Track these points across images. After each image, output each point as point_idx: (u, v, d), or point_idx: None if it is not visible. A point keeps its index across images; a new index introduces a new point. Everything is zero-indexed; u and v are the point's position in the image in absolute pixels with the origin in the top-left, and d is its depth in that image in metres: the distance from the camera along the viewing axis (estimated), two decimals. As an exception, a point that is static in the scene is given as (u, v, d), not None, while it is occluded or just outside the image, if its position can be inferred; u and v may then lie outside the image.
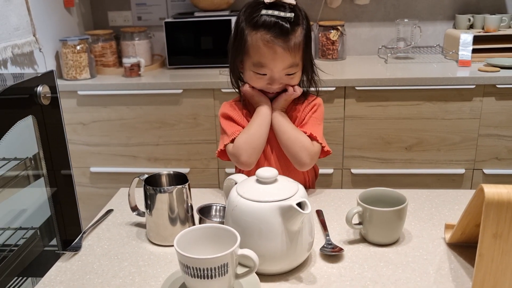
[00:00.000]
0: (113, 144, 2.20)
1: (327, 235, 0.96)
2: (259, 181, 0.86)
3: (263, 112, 1.17)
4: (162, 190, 0.94)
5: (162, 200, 0.93)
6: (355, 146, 2.09)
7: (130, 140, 2.19)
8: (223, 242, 0.77)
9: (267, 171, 0.86)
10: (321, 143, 1.18)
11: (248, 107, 1.24)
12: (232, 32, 1.19)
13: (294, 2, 1.12)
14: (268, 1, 1.10)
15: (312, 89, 1.26)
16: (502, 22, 2.25)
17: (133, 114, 2.15)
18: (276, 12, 1.10)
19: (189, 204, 0.98)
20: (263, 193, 0.83)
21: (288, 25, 1.09)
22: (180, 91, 2.08)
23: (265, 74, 1.14)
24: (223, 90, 2.03)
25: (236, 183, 0.91)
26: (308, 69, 1.20)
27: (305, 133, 1.17)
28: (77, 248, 0.94)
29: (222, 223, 0.99)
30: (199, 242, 0.79)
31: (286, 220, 0.81)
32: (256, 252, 0.77)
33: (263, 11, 1.10)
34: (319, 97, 1.26)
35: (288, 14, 1.10)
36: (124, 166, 2.23)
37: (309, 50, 1.18)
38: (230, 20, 2.23)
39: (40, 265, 1.21)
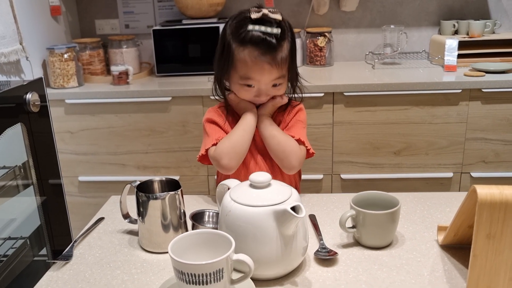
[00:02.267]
0: (102, 152, 2.18)
1: (320, 239, 0.96)
2: (252, 185, 0.86)
3: (248, 119, 1.18)
4: (154, 197, 0.93)
5: (154, 206, 0.93)
6: (344, 152, 2.10)
7: (119, 149, 2.17)
8: (217, 247, 0.76)
9: (260, 176, 0.86)
10: (307, 146, 1.20)
11: (233, 114, 1.25)
12: (218, 44, 1.20)
13: (280, 18, 1.13)
14: (255, 17, 1.11)
15: (296, 95, 1.28)
16: (486, 28, 2.29)
17: (122, 122, 2.13)
18: (263, 28, 1.11)
19: (182, 211, 0.97)
20: (256, 198, 0.83)
21: (275, 41, 1.11)
22: (169, 98, 2.07)
23: (252, 86, 1.15)
24: (211, 97, 2.02)
25: (229, 189, 0.91)
26: (293, 79, 1.22)
27: (293, 137, 1.19)
28: (68, 257, 0.92)
29: (215, 229, 0.98)
30: (194, 248, 0.78)
31: (280, 225, 0.80)
32: (251, 258, 0.76)
33: (250, 27, 1.11)
34: (301, 103, 1.29)
35: (275, 30, 1.11)
36: (113, 175, 2.21)
37: (295, 62, 1.20)
38: (218, 27, 2.23)
39: (29, 276, 1.19)
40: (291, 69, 1.18)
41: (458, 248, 0.93)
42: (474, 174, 2.09)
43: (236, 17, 1.16)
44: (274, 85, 1.16)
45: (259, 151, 1.23)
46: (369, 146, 2.09)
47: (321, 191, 2.17)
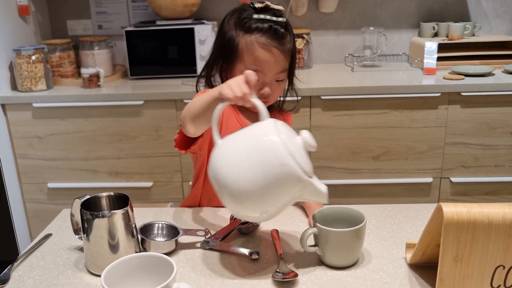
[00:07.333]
0: (72, 158, 2.10)
1: (281, 257, 0.89)
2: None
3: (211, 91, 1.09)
4: (100, 215, 0.85)
5: (100, 226, 0.85)
6: (322, 157, 2.04)
7: (90, 154, 2.09)
8: (160, 273, 0.70)
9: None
10: None
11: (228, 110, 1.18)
12: (216, 40, 1.16)
13: (282, 8, 1.13)
14: (259, 5, 1.11)
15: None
16: (465, 30, 2.25)
17: (92, 127, 2.05)
18: (268, 16, 1.09)
19: (131, 229, 0.90)
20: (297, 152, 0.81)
21: (282, 30, 1.10)
22: (141, 102, 2.00)
23: (258, 80, 1.09)
24: (185, 101, 1.96)
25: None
26: (292, 78, 1.21)
27: None
28: (4, 281, 0.85)
29: (167, 241, 0.92)
30: (134, 273, 0.71)
31: (292, 189, 0.81)
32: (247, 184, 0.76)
33: (255, 16, 1.09)
34: (290, 112, 1.29)
35: (280, 19, 1.10)
36: (84, 181, 2.13)
37: (295, 59, 1.19)
38: (193, 28, 2.16)
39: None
40: (292, 66, 1.17)
41: (427, 267, 0.87)
42: (453, 179, 2.05)
43: (236, 11, 1.14)
44: (277, 81, 1.13)
45: None
46: (348, 151, 2.04)
47: (298, 198, 2.11)
